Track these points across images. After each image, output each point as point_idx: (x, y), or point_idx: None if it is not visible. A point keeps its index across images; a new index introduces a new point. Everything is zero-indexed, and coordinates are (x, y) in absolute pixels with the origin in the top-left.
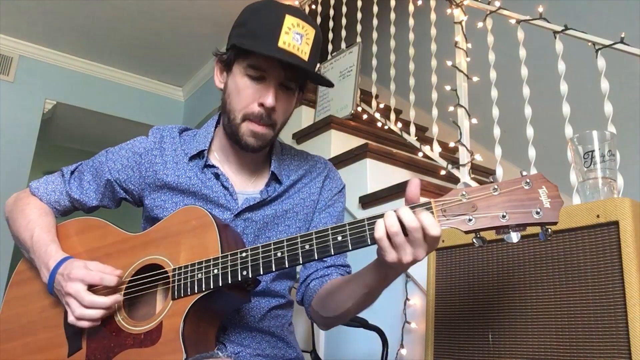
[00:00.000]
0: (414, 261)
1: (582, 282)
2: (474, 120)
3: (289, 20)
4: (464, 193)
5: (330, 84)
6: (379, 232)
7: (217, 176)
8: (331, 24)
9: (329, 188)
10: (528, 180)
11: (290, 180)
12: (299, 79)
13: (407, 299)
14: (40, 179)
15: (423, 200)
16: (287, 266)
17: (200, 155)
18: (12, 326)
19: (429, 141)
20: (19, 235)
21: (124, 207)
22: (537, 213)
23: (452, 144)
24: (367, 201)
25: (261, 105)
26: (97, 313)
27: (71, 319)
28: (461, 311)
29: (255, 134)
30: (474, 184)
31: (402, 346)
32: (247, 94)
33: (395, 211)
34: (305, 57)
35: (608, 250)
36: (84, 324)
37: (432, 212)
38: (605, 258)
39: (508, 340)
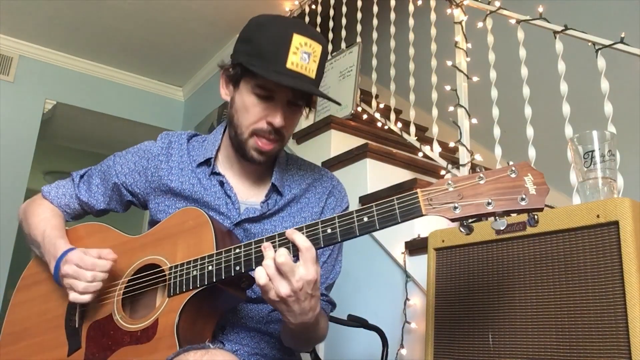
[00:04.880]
0: (294, 294)
1: (582, 282)
2: (474, 120)
3: (297, 39)
4: (450, 182)
5: (336, 103)
6: (262, 278)
7: (221, 184)
8: (331, 24)
9: (332, 207)
10: (514, 169)
11: (292, 194)
12: (305, 97)
13: (407, 299)
14: (52, 184)
15: None
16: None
17: (207, 162)
18: (16, 329)
19: (429, 141)
20: (31, 232)
21: (129, 210)
22: (523, 199)
23: (452, 144)
24: (367, 201)
25: (269, 124)
26: (97, 285)
27: (72, 296)
28: (461, 311)
29: (261, 152)
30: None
31: (402, 346)
32: (255, 112)
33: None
34: (313, 75)
35: (608, 250)
36: (87, 298)
37: (419, 201)
38: (605, 258)
39: (508, 340)
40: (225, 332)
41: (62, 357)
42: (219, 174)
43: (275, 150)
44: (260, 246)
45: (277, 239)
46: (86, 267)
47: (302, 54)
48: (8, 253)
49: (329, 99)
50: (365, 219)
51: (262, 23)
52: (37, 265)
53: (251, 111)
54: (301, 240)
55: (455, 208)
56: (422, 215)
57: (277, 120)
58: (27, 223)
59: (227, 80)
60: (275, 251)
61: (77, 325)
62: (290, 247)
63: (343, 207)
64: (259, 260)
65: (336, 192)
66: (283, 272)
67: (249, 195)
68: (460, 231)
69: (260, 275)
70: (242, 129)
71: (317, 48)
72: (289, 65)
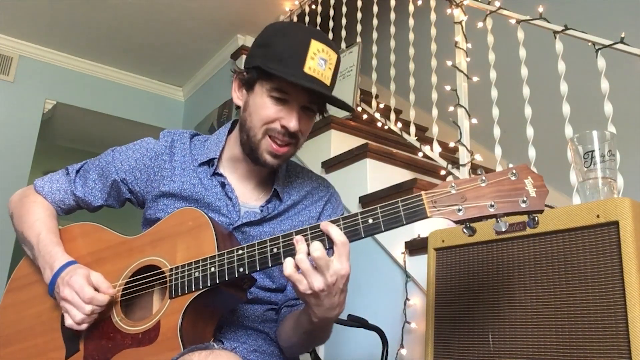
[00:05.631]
0: (327, 288)
1: (582, 282)
2: (474, 120)
3: (315, 45)
4: (453, 185)
5: (350, 109)
6: (288, 268)
7: (223, 185)
8: (331, 24)
9: (328, 214)
10: (514, 172)
11: (291, 200)
12: (319, 103)
13: (407, 299)
14: (45, 177)
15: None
16: (283, 261)
17: (210, 163)
18: (10, 332)
19: (429, 141)
20: (24, 232)
21: (126, 207)
22: (524, 202)
23: (452, 144)
24: (367, 201)
25: (283, 127)
26: (94, 316)
27: (69, 322)
28: (461, 311)
29: (275, 155)
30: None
31: (402, 346)
32: (270, 113)
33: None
34: (328, 82)
35: (608, 250)
36: (84, 327)
37: (424, 204)
38: (605, 258)
39: (508, 340)
40: (222, 331)
41: None
42: (220, 175)
43: (289, 154)
44: (264, 247)
45: (309, 232)
46: (84, 299)
47: (319, 60)
48: (8, 253)
49: (344, 106)
50: (370, 221)
51: (280, 29)
52: (29, 266)
53: (265, 112)
54: (337, 234)
55: (459, 210)
56: (427, 218)
57: (292, 124)
58: (19, 220)
59: (240, 85)
60: (307, 245)
61: None
62: (326, 241)
63: (338, 214)
64: (263, 260)
65: (333, 199)
66: (318, 266)
67: (249, 199)
68: (464, 232)
69: (288, 266)
70: (255, 130)
71: (333, 56)
72: (306, 69)
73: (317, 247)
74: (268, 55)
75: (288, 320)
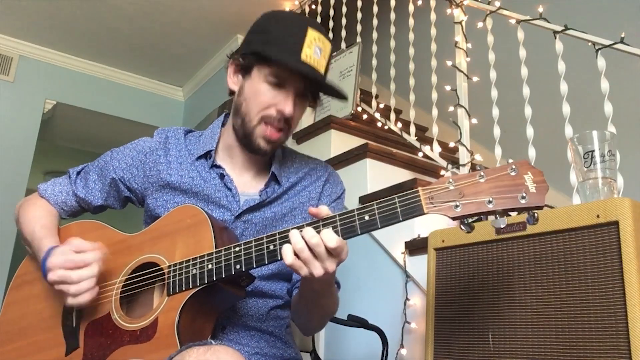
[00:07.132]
0: (327, 273)
1: (582, 282)
2: (474, 120)
3: (312, 34)
4: (451, 180)
5: (343, 96)
6: (288, 257)
7: (221, 177)
8: (331, 24)
9: (328, 193)
10: (514, 167)
11: (290, 182)
12: (313, 90)
13: (407, 299)
14: (48, 182)
15: None
16: (279, 258)
17: (207, 155)
18: (12, 329)
19: (429, 141)
20: (23, 230)
21: (126, 207)
22: (523, 198)
23: (452, 144)
24: (367, 201)
25: (279, 111)
26: (91, 282)
27: (68, 301)
28: (461, 311)
29: (269, 140)
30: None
31: (402, 346)
32: (266, 99)
33: (299, 230)
34: (322, 70)
35: (608, 250)
36: (85, 297)
37: (420, 200)
38: (605, 258)
39: (508, 340)
40: (225, 331)
41: (60, 357)
42: (218, 166)
43: (281, 141)
44: (260, 244)
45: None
46: (69, 268)
47: (315, 48)
48: (8, 253)
49: (338, 94)
50: (367, 217)
51: (277, 16)
52: (31, 264)
53: (262, 98)
54: (332, 240)
55: (456, 206)
56: (423, 214)
57: (288, 109)
58: (20, 222)
59: (235, 70)
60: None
61: (74, 325)
62: (321, 227)
63: (338, 193)
64: (260, 258)
65: (332, 179)
66: (317, 253)
67: (249, 187)
68: (461, 229)
69: (288, 254)
70: (250, 115)
71: (328, 45)
72: (303, 57)
73: (312, 234)
74: (266, 41)
75: (296, 297)
